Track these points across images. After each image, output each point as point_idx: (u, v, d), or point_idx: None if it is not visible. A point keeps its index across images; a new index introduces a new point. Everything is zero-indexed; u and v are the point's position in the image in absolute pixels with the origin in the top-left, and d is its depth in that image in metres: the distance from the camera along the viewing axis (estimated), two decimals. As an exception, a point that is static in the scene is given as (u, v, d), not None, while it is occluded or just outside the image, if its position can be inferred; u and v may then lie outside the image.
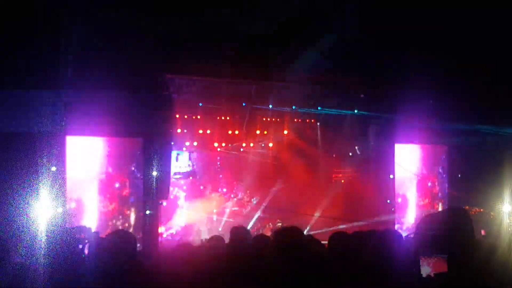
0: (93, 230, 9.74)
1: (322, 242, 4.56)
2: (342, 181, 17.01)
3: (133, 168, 13.48)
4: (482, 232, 11.12)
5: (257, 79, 14.20)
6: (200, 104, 15.39)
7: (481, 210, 14.24)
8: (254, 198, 17.74)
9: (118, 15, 10.43)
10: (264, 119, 16.96)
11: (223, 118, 16.53)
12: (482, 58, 12.39)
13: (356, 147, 16.03)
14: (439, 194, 15.93)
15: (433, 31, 11.77)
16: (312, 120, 17.11)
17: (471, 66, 12.63)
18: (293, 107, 15.88)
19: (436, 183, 16.11)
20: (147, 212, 12.92)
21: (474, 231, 3.30)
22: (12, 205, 10.70)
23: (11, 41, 10.38)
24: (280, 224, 16.34)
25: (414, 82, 13.77)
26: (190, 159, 16.29)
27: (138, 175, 13.24)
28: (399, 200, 15.74)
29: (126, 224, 13.50)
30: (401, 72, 13.59)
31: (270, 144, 17.74)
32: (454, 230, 3.10)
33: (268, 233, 13.52)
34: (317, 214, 16.49)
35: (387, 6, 11.23)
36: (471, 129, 13.73)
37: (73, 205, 12.67)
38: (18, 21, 10.31)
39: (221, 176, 18.11)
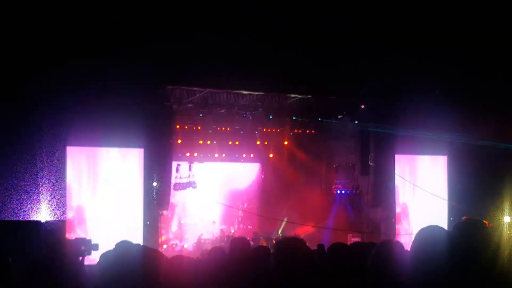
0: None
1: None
2: (343, 191, 16.97)
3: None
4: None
5: (258, 90, 14.18)
6: (201, 115, 15.38)
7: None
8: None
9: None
10: (264, 129, 16.97)
11: (223, 128, 16.53)
12: (484, 70, 12.45)
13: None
14: (438, 205, 15.84)
15: (433, 40, 11.84)
16: (313, 131, 17.09)
17: (472, 78, 12.69)
18: (294, 118, 15.85)
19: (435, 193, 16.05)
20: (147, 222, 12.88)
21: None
22: (13, 214, 10.71)
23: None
24: (280, 235, 16.32)
25: (415, 94, 13.82)
26: (190, 169, 16.25)
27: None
28: (399, 210, 15.67)
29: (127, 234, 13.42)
30: (402, 84, 13.64)
31: (271, 155, 17.75)
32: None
33: (264, 244, 13.50)
34: (316, 225, 16.45)
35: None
36: (471, 140, 13.72)
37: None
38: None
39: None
